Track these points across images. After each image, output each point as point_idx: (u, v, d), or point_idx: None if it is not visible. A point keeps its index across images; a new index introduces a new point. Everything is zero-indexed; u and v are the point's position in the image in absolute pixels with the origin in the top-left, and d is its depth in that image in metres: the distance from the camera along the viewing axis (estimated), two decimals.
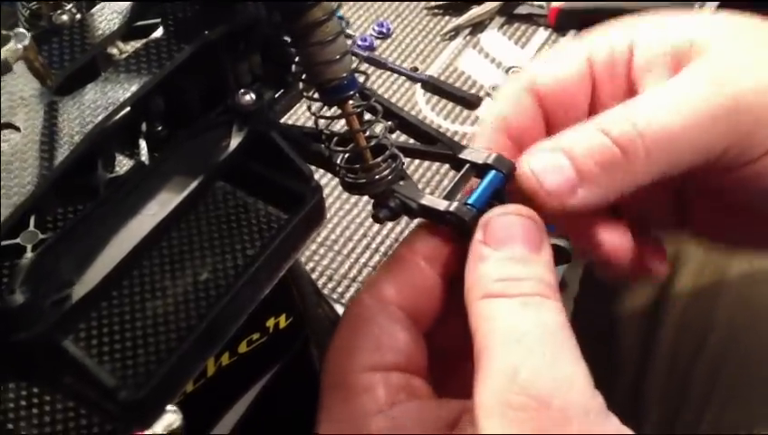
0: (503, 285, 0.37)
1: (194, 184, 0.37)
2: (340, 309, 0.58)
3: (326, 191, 0.71)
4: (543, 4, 0.92)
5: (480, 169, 0.44)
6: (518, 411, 0.33)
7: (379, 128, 0.43)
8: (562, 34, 0.91)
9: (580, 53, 0.45)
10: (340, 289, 0.64)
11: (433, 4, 0.92)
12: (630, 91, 0.44)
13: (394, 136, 0.45)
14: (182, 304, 0.38)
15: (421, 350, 0.40)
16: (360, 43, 0.87)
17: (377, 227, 0.68)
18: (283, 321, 0.43)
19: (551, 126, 0.45)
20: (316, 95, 0.40)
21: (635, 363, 0.72)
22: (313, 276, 0.64)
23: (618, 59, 0.44)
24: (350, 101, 0.39)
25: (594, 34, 0.45)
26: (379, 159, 0.41)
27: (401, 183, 0.43)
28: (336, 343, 0.39)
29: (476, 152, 0.45)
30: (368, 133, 0.42)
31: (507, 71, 0.84)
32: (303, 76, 0.39)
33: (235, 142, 0.39)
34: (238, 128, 0.39)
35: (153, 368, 0.34)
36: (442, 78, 0.84)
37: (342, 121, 0.41)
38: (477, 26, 0.91)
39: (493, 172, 0.44)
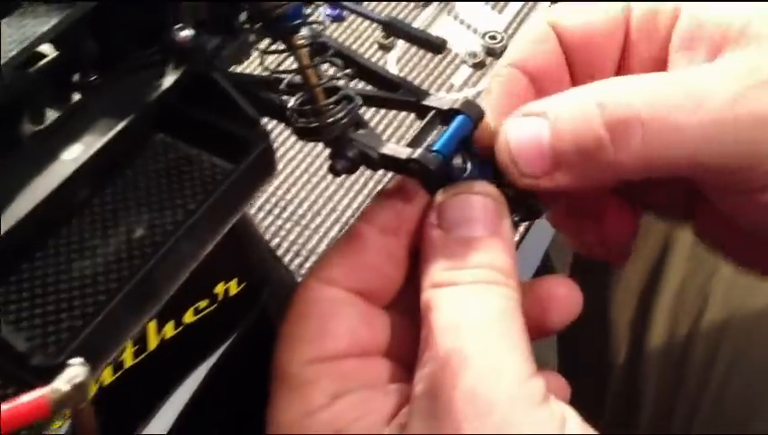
0: (450, 274, 0.35)
1: (121, 125, 0.32)
2: None
3: (293, 164, 0.67)
4: None
5: (447, 116, 0.41)
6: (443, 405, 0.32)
7: (335, 72, 0.39)
8: None
9: (619, 2, 0.41)
10: (308, 264, 0.60)
11: None
12: (663, 62, 0.40)
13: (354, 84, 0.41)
14: (114, 264, 0.34)
15: (381, 329, 0.38)
16: (329, 12, 0.83)
17: (346, 199, 0.64)
18: (234, 286, 0.39)
19: (573, 76, 0.41)
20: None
21: (628, 350, 0.71)
22: (279, 252, 0.60)
23: (660, 21, 0.40)
24: (299, 36, 0.36)
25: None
26: (332, 99, 0.37)
27: (361, 132, 0.40)
28: (281, 332, 0.36)
29: (443, 98, 0.42)
30: (322, 79, 0.38)
31: (484, 36, 0.80)
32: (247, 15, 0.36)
33: (168, 81, 0.35)
34: (174, 66, 0.35)
35: (75, 332, 0.30)
36: (414, 47, 0.80)
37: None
38: None
39: (460, 117, 0.40)
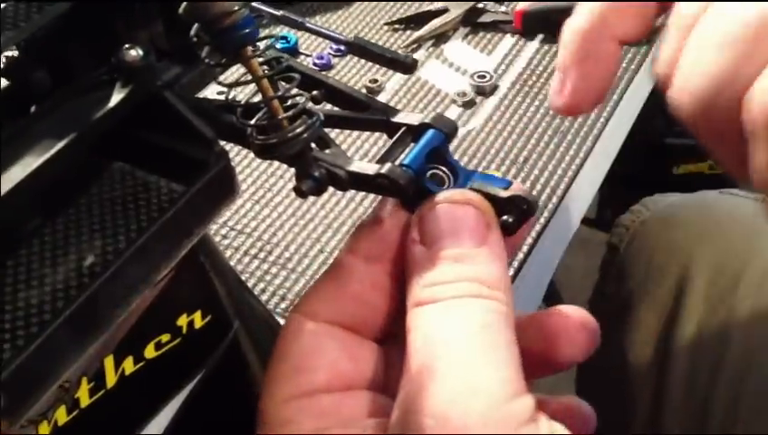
0: (431, 291, 0.33)
1: (60, 144, 0.31)
2: None
3: (281, 208, 0.66)
4: (507, 9, 0.88)
5: (418, 131, 0.39)
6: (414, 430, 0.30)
7: (298, 92, 0.38)
8: (530, 39, 0.86)
9: None
10: None
11: (394, 19, 0.88)
12: None
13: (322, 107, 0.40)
14: (61, 292, 0.32)
15: (368, 361, 0.36)
16: (316, 61, 0.83)
17: (334, 241, 0.62)
18: (198, 319, 0.37)
19: None
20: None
21: (648, 394, 0.69)
22: (264, 297, 0.58)
23: None
24: (251, 48, 0.34)
25: None
26: (290, 112, 0.36)
27: (327, 151, 0.38)
28: (266, 373, 0.35)
29: (413, 115, 0.40)
30: (282, 94, 0.37)
31: (473, 75, 0.79)
32: (196, 30, 0.35)
33: (115, 101, 0.33)
34: (122, 86, 0.34)
35: (11, 359, 0.28)
36: (404, 89, 0.80)
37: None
38: (441, 37, 0.87)
39: (431, 131, 0.39)
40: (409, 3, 0.90)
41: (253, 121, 0.36)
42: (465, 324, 0.32)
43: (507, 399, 0.31)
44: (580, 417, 0.37)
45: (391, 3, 0.91)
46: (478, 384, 0.30)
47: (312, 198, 0.66)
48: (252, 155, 0.43)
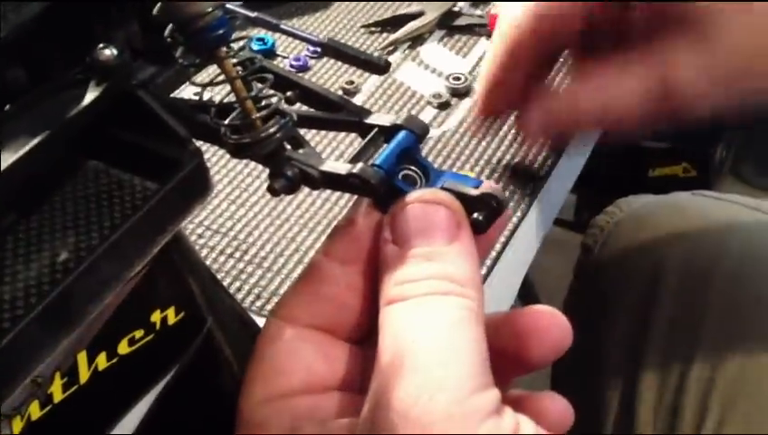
0: (401, 289, 0.34)
1: (33, 142, 0.31)
2: None
3: (257, 208, 0.66)
4: (483, 13, 0.89)
5: (390, 132, 0.40)
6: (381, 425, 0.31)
7: (272, 93, 0.39)
8: None
9: None
10: (269, 306, 0.58)
11: (370, 21, 0.89)
12: None
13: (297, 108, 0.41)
14: (34, 288, 0.32)
15: (344, 363, 0.37)
16: (293, 62, 0.83)
17: (309, 240, 0.63)
18: (172, 315, 0.37)
19: None
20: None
21: (620, 391, 0.70)
22: (240, 295, 0.59)
23: None
24: (224, 49, 0.35)
25: None
26: (264, 113, 0.36)
27: (300, 151, 0.39)
28: (246, 373, 0.36)
29: (385, 116, 0.41)
30: (256, 95, 0.37)
31: (448, 78, 0.80)
32: (171, 31, 0.35)
33: (88, 99, 0.34)
34: (96, 85, 0.34)
35: None
36: (380, 90, 0.80)
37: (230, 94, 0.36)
38: (417, 40, 0.87)
39: (403, 132, 0.39)
40: (386, 6, 0.91)
41: (227, 121, 0.37)
42: (433, 321, 0.33)
43: (471, 393, 0.31)
44: (556, 411, 0.38)
45: (368, 5, 0.91)
46: (443, 380, 0.31)
47: (287, 198, 0.67)
48: (228, 155, 0.43)
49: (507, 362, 0.36)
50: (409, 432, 0.30)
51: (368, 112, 0.41)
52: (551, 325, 0.37)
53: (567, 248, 1.19)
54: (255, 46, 0.84)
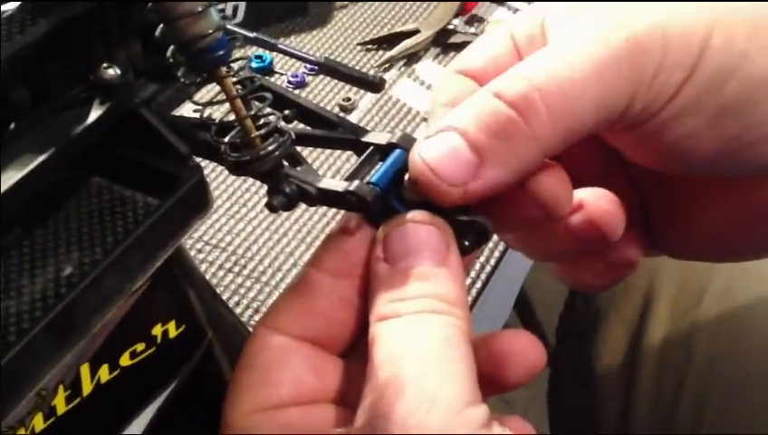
0: (393, 306, 0.35)
1: (38, 160, 0.32)
2: None
3: (255, 223, 0.67)
4: (476, 30, 0.90)
5: (385, 150, 0.41)
6: None
7: (270, 111, 0.39)
8: None
9: (502, 32, 0.42)
10: None
11: (367, 39, 0.90)
12: None
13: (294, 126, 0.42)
14: (39, 302, 0.33)
15: (333, 376, 0.37)
16: (291, 79, 0.84)
17: (307, 255, 0.64)
18: (173, 329, 0.38)
19: None
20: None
21: (616, 407, 0.70)
22: (239, 310, 0.59)
23: (535, 30, 0.41)
24: (224, 69, 0.36)
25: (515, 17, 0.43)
26: (263, 131, 0.37)
27: (298, 169, 0.40)
28: (231, 383, 0.36)
29: (380, 134, 0.42)
30: (255, 113, 0.38)
31: None
32: (173, 51, 0.36)
33: (92, 118, 0.34)
34: (99, 104, 0.35)
35: None
36: (376, 107, 0.81)
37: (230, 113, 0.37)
38: (412, 57, 0.88)
39: (398, 151, 0.40)
40: (382, 24, 0.92)
41: (226, 139, 0.38)
42: (425, 338, 0.34)
43: (464, 407, 0.32)
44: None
45: (364, 24, 0.92)
46: (437, 395, 0.32)
47: (285, 214, 0.68)
48: (227, 172, 0.44)
49: (484, 382, 0.36)
50: None
51: (363, 131, 0.42)
52: (526, 348, 0.38)
53: None
54: (254, 64, 0.85)
